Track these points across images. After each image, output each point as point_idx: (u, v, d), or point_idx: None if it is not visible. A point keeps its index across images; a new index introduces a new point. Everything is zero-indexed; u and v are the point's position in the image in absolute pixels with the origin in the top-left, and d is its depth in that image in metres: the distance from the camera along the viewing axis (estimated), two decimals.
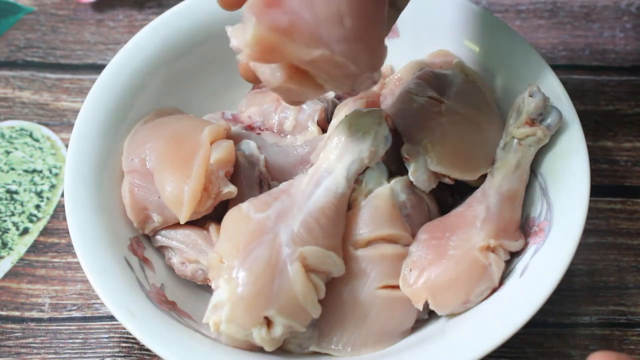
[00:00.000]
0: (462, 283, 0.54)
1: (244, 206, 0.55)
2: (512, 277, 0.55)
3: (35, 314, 0.63)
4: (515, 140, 0.57)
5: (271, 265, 0.52)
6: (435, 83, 0.61)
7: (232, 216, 0.55)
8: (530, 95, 0.57)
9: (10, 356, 0.61)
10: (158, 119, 0.62)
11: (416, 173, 0.57)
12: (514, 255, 0.57)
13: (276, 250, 0.52)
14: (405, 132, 0.58)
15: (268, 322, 0.52)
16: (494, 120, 0.60)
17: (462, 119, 0.59)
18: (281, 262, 0.52)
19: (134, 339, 0.58)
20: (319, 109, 0.61)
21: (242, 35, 0.47)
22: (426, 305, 0.55)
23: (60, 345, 0.62)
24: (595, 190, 0.58)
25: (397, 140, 0.58)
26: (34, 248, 0.66)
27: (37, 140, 0.72)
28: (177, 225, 0.58)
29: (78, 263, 0.55)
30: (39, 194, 0.69)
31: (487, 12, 0.64)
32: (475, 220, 0.56)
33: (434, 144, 0.57)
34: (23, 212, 0.68)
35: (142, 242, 0.59)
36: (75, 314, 0.63)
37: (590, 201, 0.55)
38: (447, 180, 0.58)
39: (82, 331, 0.62)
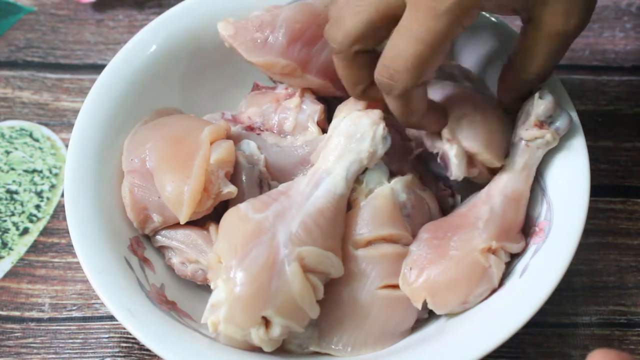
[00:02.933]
0: (461, 284, 0.54)
1: (242, 206, 0.55)
2: (512, 277, 0.55)
3: (35, 314, 0.63)
4: (523, 142, 0.57)
5: (269, 266, 0.52)
6: (445, 75, 0.60)
7: (230, 216, 0.55)
8: (540, 97, 0.56)
9: (10, 356, 0.61)
10: (158, 119, 0.62)
11: (458, 156, 0.55)
12: (514, 256, 0.56)
13: (274, 251, 0.52)
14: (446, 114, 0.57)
15: (266, 323, 0.52)
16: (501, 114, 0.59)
17: (485, 103, 0.58)
18: (279, 262, 0.52)
19: (134, 339, 0.58)
20: (319, 109, 0.61)
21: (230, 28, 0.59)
22: (425, 304, 0.55)
23: (60, 345, 0.62)
24: (595, 190, 0.58)
25: (397, 140, 0.58)
26: (34, 248, 0.66)
27: (37, 140, 0.72)
28: (177, 225, 0.58)
29: (78, 263, 0.55)
30: (39, 194, 0.69)
31: (487, 12, 0.64)
32: (477, 221, 0.55)
33: (471, 122, 0.56)
34: (23, 212, 0.68)
35: (142, 242, 0.59)
36: (75, 314, 0.63)
37: (590, 201, 0.55)
38: (472, 173, 0.57)
39: (82, 331, 0.62)
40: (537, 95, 0.56)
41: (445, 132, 0.56)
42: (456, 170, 0.56)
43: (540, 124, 0.56)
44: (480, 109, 0.57)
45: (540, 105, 0.56)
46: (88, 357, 0.61)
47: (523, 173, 0.57)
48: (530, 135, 0.56)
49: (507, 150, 0.57)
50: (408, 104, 0.52)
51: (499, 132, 0.57)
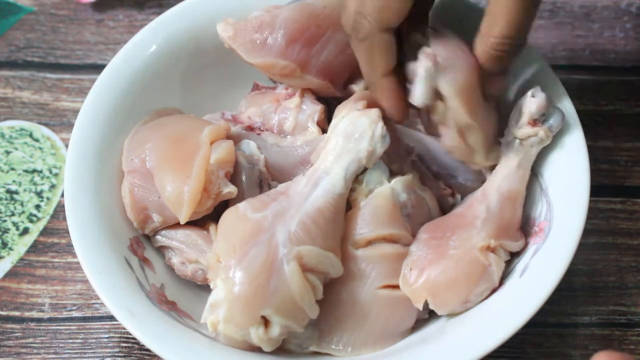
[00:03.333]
0: (462, 283, 0.54)
1: (241, 206, 0.55)
2: (512, 277, 0.55)
3: (35, 314, 0.63)
4: (517, 140, 0.57)
5: (268, 265, 0.52)
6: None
7: (229, 216, 0.55)
8: (533, 96, 0.56)
9: (10, 356, 0.61)
10: (158, 119, 0.62)
11: (428, 71, 0.53)
12: (514, 255, 0.57)
13: (273, 250, 0.52)
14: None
15: (265, 322, 0.52)
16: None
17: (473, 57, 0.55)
18: (278, 261, 0.52)
19: (134, 339, 0.58)
20: (319, 109, 0.61)
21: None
22: (426, 304, 0.55)
23: (60, 345, 0.62)
24: (595, 190, 0.58)
25: (397, 140, 0.58)
26: (34, 248, 0.66)
27: (37, 140, 0.72)
28: (177, 225, 0.58)
29: (78, 263, 0.55)
30: (39, 194, 0.69)
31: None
32: (475, 220, 0.56)
33: (453, 66, 0.54)
34: (23, 212, 0.68)
35: (142, 242, 0.59)
36: (75, 314, 0.63)
37: (590, 201, 0.55)
38: (438, 108, 0.54)
39: (82, 331, 0.62)
40: (529, 93, 0.56)
41: (424, 49, 0.54)
42: (420, 90, 0.54)
43: (534, 122, 0.56)
44: (467, 60, 0.54)
45: (533, 104, 0.56)
46: (88, 357, 0.61)
47: (518, 172, 0.57)
48: (523, 133, 0.56)
49: (486, 114, 0.56)
50: (373, 52, 0.52)
51: (477, 90, 0.55)
